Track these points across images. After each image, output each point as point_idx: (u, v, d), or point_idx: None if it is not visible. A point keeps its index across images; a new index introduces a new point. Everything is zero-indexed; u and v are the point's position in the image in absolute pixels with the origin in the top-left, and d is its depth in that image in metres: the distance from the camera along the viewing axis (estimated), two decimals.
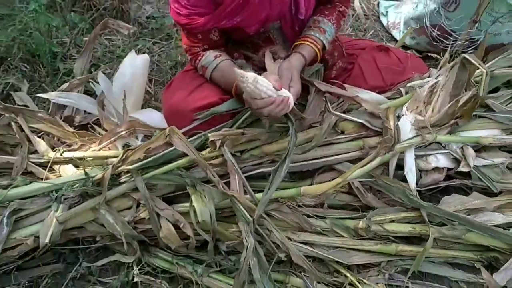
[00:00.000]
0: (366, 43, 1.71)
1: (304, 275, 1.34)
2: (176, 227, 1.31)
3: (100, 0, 2.07)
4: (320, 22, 1.50)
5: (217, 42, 1.45)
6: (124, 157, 1.30)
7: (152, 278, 1.32)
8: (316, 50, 1.44)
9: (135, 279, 1.31)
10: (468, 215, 1.39)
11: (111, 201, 1.32)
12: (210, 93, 1.43)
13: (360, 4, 2.29)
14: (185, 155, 1.34)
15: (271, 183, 1.27)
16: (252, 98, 1.22)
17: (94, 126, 1.60)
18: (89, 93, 1.69)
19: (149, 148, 1.33)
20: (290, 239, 1.34)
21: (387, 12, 2.21)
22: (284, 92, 1.24)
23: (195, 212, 1.29)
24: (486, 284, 1.36)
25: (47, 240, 1.23)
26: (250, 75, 1.20)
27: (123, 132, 1.44)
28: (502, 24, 1.78)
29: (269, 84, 1.21)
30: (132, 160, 1.33)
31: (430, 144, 1.50)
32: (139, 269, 1.32)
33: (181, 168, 1.35)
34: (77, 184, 1.30)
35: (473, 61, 1.43)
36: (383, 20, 2.22)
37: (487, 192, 1.48)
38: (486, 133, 1.53)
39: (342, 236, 1.39)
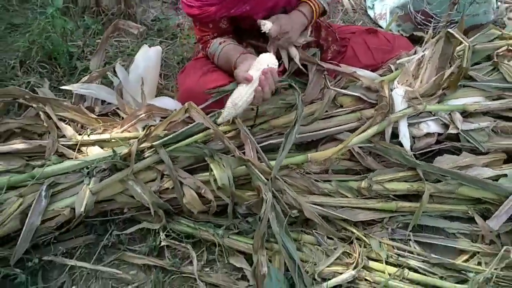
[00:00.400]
0: (356, 28, 1.88)
1: (316, 232, 1.48)
2: (198, 194, 1.45)
3: (108, 6, 2.23)
4: None
5: (226, 30, 1.60)
6: (147, 132, 1.44)
7: (177, 242, 1.45)
8: (313, 9, 1.58)
9: (162, 243, 1.44)
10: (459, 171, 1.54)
11: (138, 174, 1.45)
12: (219, 77, 1.58)
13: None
14: (202, 131, 1.49)
15: (284, 145, 1.41)
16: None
17: (112, 117, 1.75)
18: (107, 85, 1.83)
19: (170, 123, 1.47)
20: None
21: (373, 5, 2.38)
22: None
23: (214, 180, 1.43)
24: (481, 232, 1.51)
25: (82, 209, 1.36)
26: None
27: (143, 115, 1.58)
28: (479, 5, 1.96)
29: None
30: (155, 136, 1.47)
31: (421, 113, 1.65)
32: (165, 235, 1.45)
33: (199, 142, 1.49)
34: (106, 160, 1.43)
35: (457, 36, 1.59)
36: (370, 12, 2.39)
37: (475, 153, 1.63)
38: (471, 100, 1.69)
39: (347, 196, 1.53)
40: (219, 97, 1.54)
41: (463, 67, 1.60)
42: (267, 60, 1.42)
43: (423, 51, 1.68)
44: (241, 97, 1.40)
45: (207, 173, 1.45)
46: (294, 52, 1.60)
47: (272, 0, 1.53)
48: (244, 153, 1.46)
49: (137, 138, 1.50)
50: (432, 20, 2.01)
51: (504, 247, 1.40)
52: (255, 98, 1.40)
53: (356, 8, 2.43)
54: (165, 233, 1.46)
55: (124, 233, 1.46)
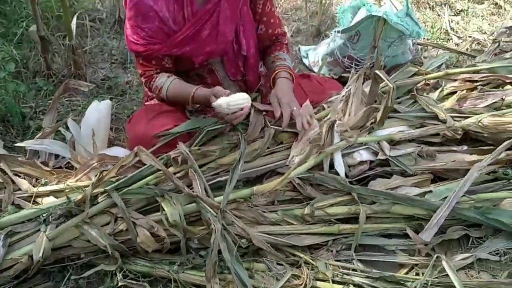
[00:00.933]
0: None
1: (266, 259, 1.57)
2: (152, 233, 1.53)
3: (59, 69, 2.36)
4: (279, 55, 1.86)
5: (169, 69, 1.76)
6: (100, 177, 1.53)
7: (134, 282, 1.50)
8: (289, 71, 1.78)
9: (119, 284, 1.49)
10: None
11: (92, 218, 1.52)
12: (166, 121, 1.71)
13: None
14: (153, 173, 1.60)
15: (230, 179, 1.53)
16: (224, 114, 1.55)
17: (66, 169, 1.82)
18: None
19: (121, 168, 1.57)
20: None
21: (307, 54, 2.62)
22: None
23: (166, 218, 1.52)
24: (417, 246, 1.65)
25: (39, 256, 1.41)
26: (223, 101, 1.53)
27: (95, 164, 1.67)
28: (397, 47, 2.21)
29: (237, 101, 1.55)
30: (108, 181, 1.56)
31: (353, 144, 1.83)
32: (122, 276, 1.51)
33: (151, 184, 1.59)
34: (61, 207, 1.50)
35: (382, 77, 1.80)
36: (305, 61, 2.62)
37: (405, 176, 1.80)
38: (396, 129, 1.89)
39: (293, 223, 1.65)
40: (168, 140, 1.66)
41: (388, 106, 1.80)
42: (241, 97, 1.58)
43: (347, 89, 1.88)
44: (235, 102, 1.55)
45: (159, 213, 1.54)
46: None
47: (210, 46, 1.70)
48: (193, 190, 1.56)
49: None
50: (357, 63, 2.24)
51: (435, 255, 1.54)
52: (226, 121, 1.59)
53: (292, 58, 2.65)
54: (122, 274, 1.52)
55: (81, 277, 1.50)
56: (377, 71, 1.80)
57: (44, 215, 1.49)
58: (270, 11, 1.85)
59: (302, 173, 1.69)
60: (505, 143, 1.76)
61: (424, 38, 2.79)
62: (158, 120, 1.73)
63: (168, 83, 1.72)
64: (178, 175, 1.63)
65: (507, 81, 2.14)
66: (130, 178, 1.58)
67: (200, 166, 1.68)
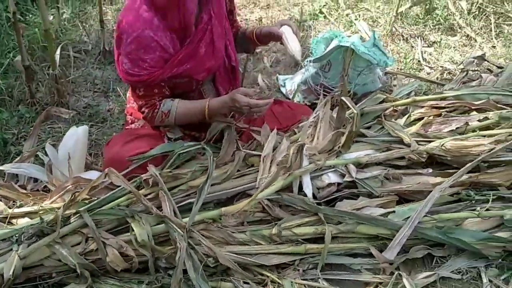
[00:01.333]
0: None
1: (233, 278, 1.61)
2: (121, 253, 1.57)
3: (42, 97, 2.44)
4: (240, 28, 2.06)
5: (169, 96, 1.83)
6: (73, 197, 1.58)
7: None
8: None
9: None
10: None
11: (64, 238, 1.56)
12: (141, 144, 1.78)
13: (263, 80, 2.79)
14: (124, 195, 1.66)
15: (197, 200, 1.59)
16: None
17: (43, 192, 1.88)
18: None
19: (94, 189, 1.62)
20: None
21: (284, 83, 2.72)
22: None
23: (136, 239, 1.57)
24: (381, 265, 1.69)
25: (10, 274, 1.45)
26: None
27: (70, 186, 1.72)
28: (366, 75, 2.31)
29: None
30: (81, 203, 1.61)
31: (321, 167, 1.89)
32: None
33: (122, 205, 1.65)
34: (33, 226, 1.55)
35: (348, 103, 1.89)
36: (283, 89, 2.72)
37: (371, 197, 1.86)
38: (363, 153, 1.96)
39: (261, 244, 1.70)
40: (141, 163, 1.73)
41: (353, 131, 1.88)
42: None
43: (316, 114, 1.96)
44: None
45: (129, 233, 1.59)
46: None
47: (209, 62, 1.80)
48: (162, 211, 1.62)
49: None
50: (329, 90, 2.34)
51: (397, 273, 1.59)
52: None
53: (270, 86, 2.75)
54: None
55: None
56: (343, 98, 1.89)
57: (17, 235, 1.53)
58: (235, 8, 2.02)
59: (270, 194, 1.75)
60: (466, 166, 1.83)
61: (397, 68, 2.91)
62: (134, 143, 1.80)
63: (176, 104, 1.80)
64: (149, 196, 1.69)
65: (473, 107, 2.24)
66: (103, 199, 1.64)
67: (172, 188, 1.75)
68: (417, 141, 1.97)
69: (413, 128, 2.08)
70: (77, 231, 1.59)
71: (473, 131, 2.09)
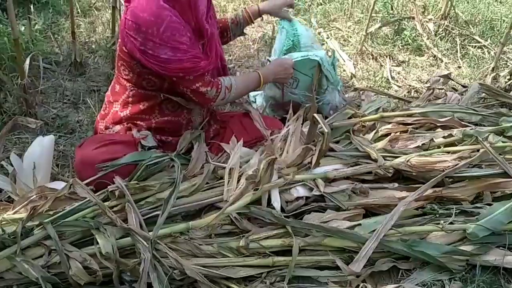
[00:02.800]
0: (234, 113, 2.19)
1: None
2: (85, 267, 1.54)
3: (10, 107, 2.40)
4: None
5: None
6: (36, 208, 1.55)
7: None
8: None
9: None
10: None
11: (26, 250, 1.53)
12: (115, 149, 1.78)
13: None
14: (90, 206, 1.63)
15: (163, 211, 1.58)
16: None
17: (7, 202, 1.83)
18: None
19: (59, 200, 1.60)
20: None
21: (255, 99, 2.75)
22: None
23: (100, 252, 1.55)
24: (348, 278, 1.71)
25: None
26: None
27: (34, 196, 1.69)
28: (330, 93, 2.36)
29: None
30: (45, 215, 1.58)
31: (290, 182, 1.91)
32: None
33: (87, 217, 1.62)
34: None
35: (319, 121, 1.91)
36: (254, 105, 2.74)
37: (339, 210, 1.88)
38: (332, 167, 1.99)
39: (228, 256, 1.69)
40: (108, 172, 1.71)
41: (323, 149, 1.91)
42: None
43: (287, 128, 1.99)
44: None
45: (93, 246, 1.56)
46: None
47: (215, 63, 1.93)
48: (127, 223, 1.60)
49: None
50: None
51: (362, 284, 1.61)
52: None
53: (242, 101, 2.77)
54: None
55: None
56: (315, 115, 1.91)
57: None
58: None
59: (239, 208, 1.75)
60: (431, 181, 1.88)
61: (367, 85, 2.97)
62: (108, 147, 1.78)
63: (234, 79, 1.96)
64: (115, 208, 1.67)
65: (438, 124, 2.30)
66: (68, 211, 1.61)
67: (139, 200, 1.73)
68: (384, 157, 2.01)
69: (380, 144, 2.12)
70: (39, 243, 1.55)
71: (438, 147, 2.15)
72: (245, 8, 2.28)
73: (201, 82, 1.83)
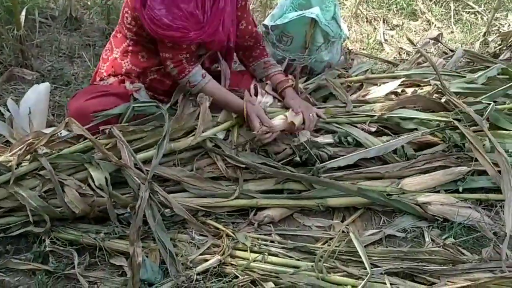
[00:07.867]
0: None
1: (189, 231, 1.68)
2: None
3: (6, 58, 2.43)
4: (270, 61, 2.11)
5: (194, 53, 1.89)
6: (31, 143, 1.61)
7: (61, 248, 1.58)
8: (287, 77, 2.07)
9: (47, 249, 1.56)
10: None
11: (22, 181, 1.60)
12: (108, 101, 1.81)
13: None
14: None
15: (157, 153, 1.64)
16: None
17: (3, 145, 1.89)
18: None
19: (53, 141, 1.65)
20: None
21: None
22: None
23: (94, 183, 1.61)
24: (332, 223, 1.79)
25: None
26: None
27: (31, 140, 1.74)
28: (328, 50, 2.40)
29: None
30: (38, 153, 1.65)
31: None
32: (50, 241, 1.58)
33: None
34: None
35: None
36: None
37: None
38: None
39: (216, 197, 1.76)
40: (100, 121, 1.76)
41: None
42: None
43: None
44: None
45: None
46: None
47: (223, 38, 1.92)
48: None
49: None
50: (291, 63, 2.41)
51: (343, 227, 1.69)
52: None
53: None
54: (49, 240, 1.59)
55: (9, 235, 1.57)
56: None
57: None
58: (249, 9, 2.04)
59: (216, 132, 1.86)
60: None
61: (360, 48, 3.01)
62: (101, 99, 1.82)
63: (204, 83, 1.88)
64: (108, 146, 1.71)
65: (422, 85, 2.35)
66: (61, 150, 1.67)
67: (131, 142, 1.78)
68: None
69: (355, 96, 2.22)
70: (34, 175, 1.61)
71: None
72: (286, 86, 2.05)
73: (171, 54, 1.84)
